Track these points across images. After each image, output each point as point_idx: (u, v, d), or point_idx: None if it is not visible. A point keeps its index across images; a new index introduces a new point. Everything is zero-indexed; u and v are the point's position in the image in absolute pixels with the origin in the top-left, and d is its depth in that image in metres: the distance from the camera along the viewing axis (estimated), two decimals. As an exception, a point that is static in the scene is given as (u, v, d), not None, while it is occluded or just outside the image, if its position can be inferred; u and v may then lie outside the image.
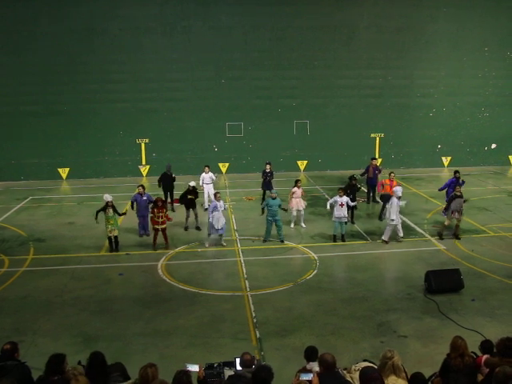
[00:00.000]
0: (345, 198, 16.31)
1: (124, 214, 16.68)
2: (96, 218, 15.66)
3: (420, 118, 29.42)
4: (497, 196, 22.63)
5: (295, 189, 17.93)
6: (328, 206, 16.71)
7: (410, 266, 14.57)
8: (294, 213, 18.03)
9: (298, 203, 17.91)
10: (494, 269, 14.14)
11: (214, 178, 20.42)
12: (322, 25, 27.46)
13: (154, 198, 16.67)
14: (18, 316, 11.61)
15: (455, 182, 18.44)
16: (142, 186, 17.35)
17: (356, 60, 28.19)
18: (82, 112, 26.72)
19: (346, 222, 16.76)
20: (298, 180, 18.34)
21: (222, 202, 16.17)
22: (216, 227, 15.91)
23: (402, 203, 16.40)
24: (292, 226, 18.15)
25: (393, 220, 16.01)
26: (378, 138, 29.32)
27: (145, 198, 16.88)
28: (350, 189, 17.78)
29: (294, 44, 27.56)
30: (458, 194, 16.54)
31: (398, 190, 16.26)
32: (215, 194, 16.43)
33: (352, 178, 18.56)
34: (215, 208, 15.83)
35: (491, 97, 29.59)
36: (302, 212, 18.21)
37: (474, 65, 28.97)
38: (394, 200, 16.02)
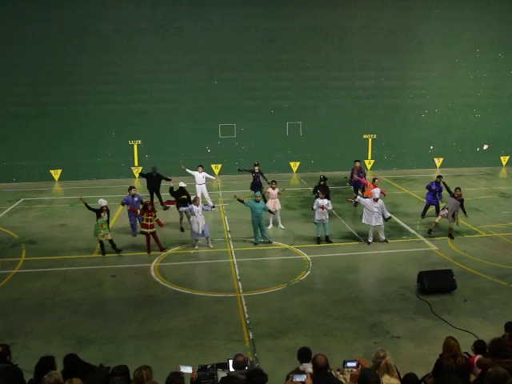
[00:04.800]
0: (326, 201, 16.31)
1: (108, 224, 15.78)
2: (86, 205, 15.60)
3: (412, 119, 29.54)
4: (489, 197, 22.73)
5: (270, 190, 18.00)
6: (315, 206, 16.56)
7: (402, 267, 14.60)
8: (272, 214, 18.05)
9: (273, 204, 17.98)
10: (486, 269, 14.20)
11: (208, 176, 20.73)
12: (314, 26, 27.53)
13: (142, 199, 16.93)
14: (10, 318, 11.54)
15: (434, 187, 18.62)
16: (133, 187, 17.43)
17: (348, 61, 28.27)
18: (74, 113, 26.63)
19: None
20: (273, 181, 18.37)
21: (201, 205, 16.11)
22: (195, 231, 15.95)
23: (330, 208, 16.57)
24: (270, 226, 18.15)
25: (364, 221, 16.42)
26: (370, 139, 29.41)
27: (136, 199, 17.07)
28: (319, 189, 17.59)
29: (286, 45, 27.61)
30: (455, 195, 16.64)
31: (376, 191, 16.37)
32: (195, 199, 16.37)
33: (322, 178, 18.57)
34: (191, 212, 15.86)
35: (483, 98, 29.75)
36: (279, 213, 18.31)
37: (466, 66, 29.13)
38: (367, 201, 16.20)
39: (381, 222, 16.29)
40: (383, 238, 16.65)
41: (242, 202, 16.64)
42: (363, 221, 16.47)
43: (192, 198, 17.15)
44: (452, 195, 16.87)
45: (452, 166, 29.40)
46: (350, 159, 27.12)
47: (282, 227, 18.35)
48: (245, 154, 28.08)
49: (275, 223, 18.47)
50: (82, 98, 26.63)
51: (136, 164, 27.86)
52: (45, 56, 25.79)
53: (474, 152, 30.50)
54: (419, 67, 28.82)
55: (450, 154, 30.08)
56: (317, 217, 16.42)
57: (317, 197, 16.73)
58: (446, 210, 16.66)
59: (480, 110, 29.94)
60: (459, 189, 16.84)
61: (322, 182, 18.41)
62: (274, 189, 17.98)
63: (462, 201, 16.66)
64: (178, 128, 27.63)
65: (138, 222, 17.13)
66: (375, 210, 16.04)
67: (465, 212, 17.02)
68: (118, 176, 27.31)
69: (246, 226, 18.25)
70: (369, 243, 16.51)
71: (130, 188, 17.39)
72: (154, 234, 15.89)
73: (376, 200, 16.08)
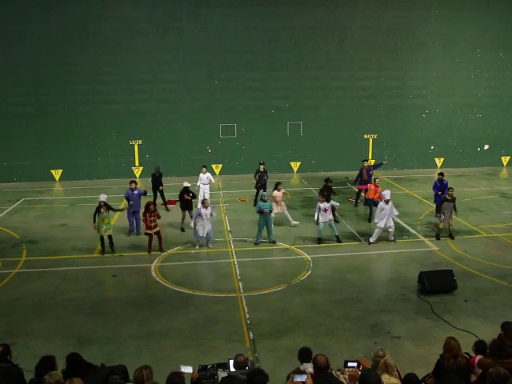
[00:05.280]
0: (326, 204, 16.29)
1: (121, 210, 17.26)
2: (94, 223, 15.62)
3: (413, 119, 29.52)
4: (489, 197, 22.70)
5: (275, 192, 17.97)
6: (316, 217, 16.51)
7: (403, 267, 14.59)
8: (273, 214, 17.93)
9: (281, 207, 18.06)
10: (487, 269, 14.19)
11: (211, 179, 20.66)
12: (314, 26, 27.52)
13: (143, 191, 17.45)
14: (11, 318, 11.54)
15: (438, 185, 18.59)
16: (134, 181, 17.62)
17: (348, 61, 28.27)
18: (74, 113, 26.63)
19: (335, 221, 17.05)
20: (279, 182, 18.34)
21: (209, 209, 15.92)
22: (200, 234, 15.92)
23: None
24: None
25: (376, 223, 16.40)
26: (371, 139, 29.39)
27: (136, 192, 17.16)
28: (325, 191, 17.60)
29: (286, 45, 27.60)
30: (448, 198, 16.63)
31: (386, 193, 16.29)
32: (203, 201, 16.21)
33: (327, 179, 18.57)
34: (199, 215, 15.79)
35: (484, 98, 29.73)
36: (286, 212, 18.31)
37: (467, 66, 29.11)
38: (381, 204, 16.17)
39: (391, 223, 16.32)
40: (392, 238, 16.66)
41: (262, 212, 16.33)
42: (375, 221, 16.48)
43: (200, 199, 17.18)
44: (445, 199, 16.83)
45: (453, 166, 29.36)
46: (350, 159, 27.25)
47: (297, 223, 18.39)
48: (245, 154, 28.09)
49: (287, 222, 18.40)
50: (81, 97, 26.62)
51: (137, 164, 27.86)
52: (45, 56, 25.79)
53: (475, 152, 30.48)
54: (419, 67, 28.80)
55: (450, 154, 30.06)
56: (321, 219, 16.38)
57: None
58: (443, 216, 16.68)
59: (481, 110, 29.91)
60: (452, 189, 16.91)
61: (330, 184, 18.40)
62: (279, 190, 17.93)
63: (454, 199, 16.71)
64: (179, 128, 27.62)
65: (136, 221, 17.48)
66: (387, 212, 16.09)
67: (455, 209, 16.97)
68: (118, 176, 27.26)
69: (247, 225, 18.27)
70: (370, 243, 16.49)
71: (131, 182, 17.55)
72: (158, 233, 15.88)
73: (387, 202, 16.08)
